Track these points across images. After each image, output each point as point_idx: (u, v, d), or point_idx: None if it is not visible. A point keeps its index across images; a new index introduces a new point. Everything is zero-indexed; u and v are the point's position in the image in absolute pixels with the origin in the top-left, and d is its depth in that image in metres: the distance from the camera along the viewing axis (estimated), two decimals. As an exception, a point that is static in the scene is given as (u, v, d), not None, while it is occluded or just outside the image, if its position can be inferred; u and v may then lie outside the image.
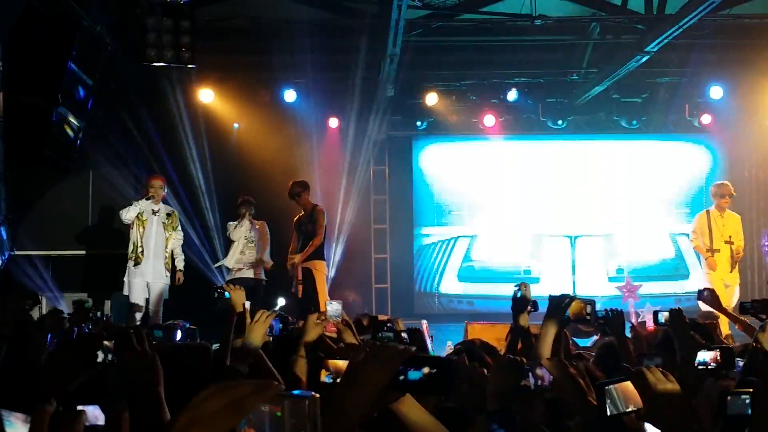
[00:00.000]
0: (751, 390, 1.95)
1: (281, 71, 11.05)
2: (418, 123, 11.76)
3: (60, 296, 9.69)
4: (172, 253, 8.66)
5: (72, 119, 8.02)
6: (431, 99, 11.37)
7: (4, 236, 8.34)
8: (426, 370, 1.82)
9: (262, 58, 10.80)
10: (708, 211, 9.37)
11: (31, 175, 9.40)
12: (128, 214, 8.46)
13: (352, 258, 11.75)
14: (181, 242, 8.84)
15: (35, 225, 10.26)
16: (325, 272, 9.12)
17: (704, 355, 3.11)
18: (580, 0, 9.57)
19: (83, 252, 10.57)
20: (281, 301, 9.24)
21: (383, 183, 12.49)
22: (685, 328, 3.62)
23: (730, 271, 9.18)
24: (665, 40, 8.91)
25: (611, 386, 2.12)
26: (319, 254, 9.04)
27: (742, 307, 4.83)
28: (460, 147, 12.63)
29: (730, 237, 9.17)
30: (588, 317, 3.41)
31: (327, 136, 11.84)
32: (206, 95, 10.88)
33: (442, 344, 7.37)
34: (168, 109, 10.60)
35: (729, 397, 2.03)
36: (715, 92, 11.24)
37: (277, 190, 10.04)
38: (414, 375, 1.82)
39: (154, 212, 8.56)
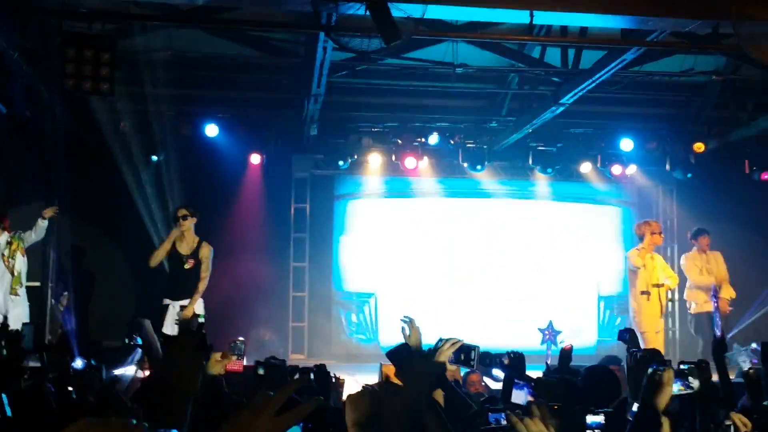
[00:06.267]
0: None
1: (204, 105, 11.01)
2: (341, 162, 11.78)
3: None
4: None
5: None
6: (354, 139, 11.46)
7: None
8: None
9: (185, 91, 10.74)
10: (639, 250, 9.10)
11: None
12: None
13: (269, 295, 11.65)
14: None
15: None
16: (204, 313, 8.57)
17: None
18: (500, 51, 9.86)
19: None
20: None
21: (304, 221, 12.47)
22: None
23: (660, 317, 8.87)
24: (579, 93, 9.29)
25: None
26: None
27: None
28: (381, 188, 12.71)
29: (658, 280, 8.91)
30: (471, 363, 3.22)
31: (248, 173, 11.77)
32: (127, 126, 10.66)
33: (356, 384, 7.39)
34: (86, 138, 10.39)
35: None
36: (626, 144, 11.65)
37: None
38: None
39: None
